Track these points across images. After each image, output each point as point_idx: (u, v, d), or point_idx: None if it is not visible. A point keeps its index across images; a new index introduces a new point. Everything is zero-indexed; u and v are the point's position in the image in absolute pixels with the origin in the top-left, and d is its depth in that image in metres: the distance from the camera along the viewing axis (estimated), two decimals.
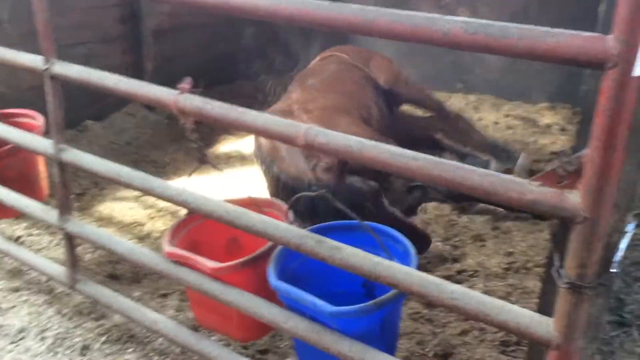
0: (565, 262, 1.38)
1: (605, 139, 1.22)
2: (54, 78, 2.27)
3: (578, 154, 1.32)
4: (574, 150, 1.47)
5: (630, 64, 1.16)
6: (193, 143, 2.06)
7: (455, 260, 3.34)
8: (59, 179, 2.45)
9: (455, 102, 5.72)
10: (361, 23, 1.46)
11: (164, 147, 4.80)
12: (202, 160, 2.10)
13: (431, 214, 3.75)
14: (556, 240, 1.43)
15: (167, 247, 2.23)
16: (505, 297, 2.95)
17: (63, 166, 2.43)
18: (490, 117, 5.35)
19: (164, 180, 2.90)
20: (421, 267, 3.20)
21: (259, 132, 1.78)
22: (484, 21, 1.34)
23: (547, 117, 5.26)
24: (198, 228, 2.49)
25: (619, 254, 1.39)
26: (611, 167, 1.24)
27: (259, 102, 5.77)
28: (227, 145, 4.95)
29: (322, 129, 1.67)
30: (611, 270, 1.38)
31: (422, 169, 1.51)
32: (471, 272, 3.22)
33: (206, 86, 5.69)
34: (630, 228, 1.40)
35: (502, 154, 4.32)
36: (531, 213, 3.16)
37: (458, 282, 3.14)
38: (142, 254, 2.31)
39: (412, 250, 2.09)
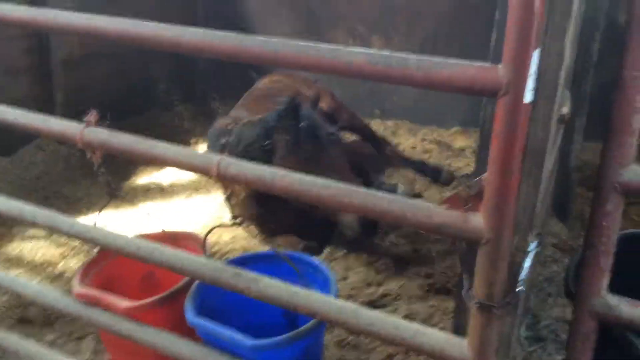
0: (473, 282, 1.42)
1: (502, 163, 1.28)
2: None
3: (479, 177, 1.37)
4: (475, 173, 1.54)
5: (520, 91, 1.22)
6: (101, 177, 1.98)
7: (379, 284, 3.38)
8: None
9: (374, 127, 5.85)
10: (266, 54, 1.47)
11: (76, 181, 4.61)
12: (112, 194, 2.03)
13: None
14: (464, 262, 1.47)
15: (77, 288, 2.13)
16: (428, 319, 3.00)
17: None
18: (408, 142, 5.50)
19: (72, 216, 2.77)
20: (345, 293, 3.24)
21: (170, 164, 1.73)
22: (385, 53, 1.37)
23: (460, 141, 5.46)
24: (112, 265, 2.40)
25: (524, 273, 1.44)
26: (509, 189, 1.30)
27: (182, 129, 5.69)
28: (144, 177, 4.81)
29: (233, 160, 1.65)
30: (517, 288, 1.43)
31: (334, 197, 1.52)
32: (394, 296, 3.27)
33: (120, 116, 5.58)
34: (532, 247, 1.46)
35: (430, 173, 4.56)
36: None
37: (382, 305, 3.18)
38: (51, 296, 2.18)
39: (332, 277, 2.10)
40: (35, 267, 3.56)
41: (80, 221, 2.04)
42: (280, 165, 3.27)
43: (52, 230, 2.04)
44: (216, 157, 1.67)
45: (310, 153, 3.33)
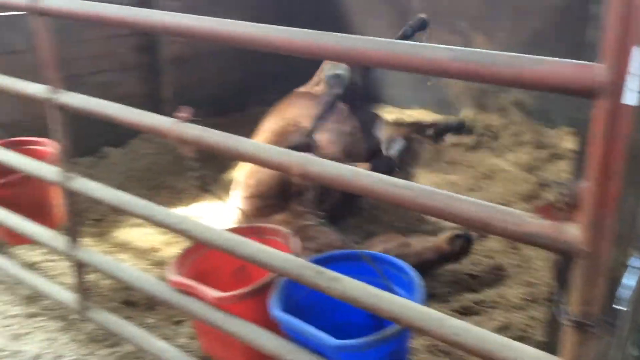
0: (568, 298, 1.32)
1: (601, 170, 1.17)
2: (60, 107, 2.30)
3: (575, 185, 1.26)
4: (572, 180, 1.42)
5: (619, 91, 1.11)
6: (194, 172, 2.05)
7: (474, 290, 3.25)
8: (67, 206, 2.47)
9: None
10: (344, 51, 1.44)
11: (181, 173, 4.81)
12: (204, 188, 2.09)
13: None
14: (558, 275, 1.37)
15: (172, 276, 2.22)
16: (526, 330, 2.85)
17: (71, 194, 2.45)
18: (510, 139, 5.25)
19: (173, 207, 2.88)
20: (439, 297, 3.15)
21: (253, 160, 1.76)
22: (472, 49, 1.30)
23: (567, 142, 5.11)
24: (206, 256, 2.48)
25: (626, 290, 1.32)
26: (608, 198, 1.19)
27: None
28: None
29: (316, 158, 1.64)
30: (616, 306, 1.31)
31: (415, 199, 1.46)
32: (490, 303, 3.13)
33: (222, 112, 5.78)
34: (636, 263, 1.33)
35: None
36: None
37: (477, 313, 3.05)
38: (148, 282, 2.30)
39: (418, 280, 2.04)
40: (141, 253, 3.75)
41: (176, 212, 2.12)
42: None
43: (148, 220, 2.13)
44: (297, 156, 1.67)
45: None
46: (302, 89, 4.79)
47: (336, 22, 6.39)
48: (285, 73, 6.34)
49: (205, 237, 1.96)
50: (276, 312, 1.96)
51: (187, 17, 1.75)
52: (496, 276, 3.33)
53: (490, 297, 3.13)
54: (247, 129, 5.53)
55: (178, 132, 1.89)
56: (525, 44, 5.31)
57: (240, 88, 6.06)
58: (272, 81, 6.28)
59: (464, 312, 3.04)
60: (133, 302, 3.23)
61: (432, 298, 3.16)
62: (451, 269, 3.39)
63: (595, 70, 1.12)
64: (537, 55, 1.23)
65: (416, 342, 2.78)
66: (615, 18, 1.07)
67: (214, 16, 1.72)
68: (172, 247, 3.79)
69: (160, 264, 3.62)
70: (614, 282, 1.33)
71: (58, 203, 3.64)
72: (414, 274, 2.07)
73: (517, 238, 1.34)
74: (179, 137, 1.91)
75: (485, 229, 1.37)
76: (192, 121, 1.94)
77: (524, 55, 1.24)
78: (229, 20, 1.67)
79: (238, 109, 5.96)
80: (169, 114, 2.03)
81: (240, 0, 5.77)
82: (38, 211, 3.08)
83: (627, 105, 1.10)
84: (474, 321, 2.91)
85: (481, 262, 3.46)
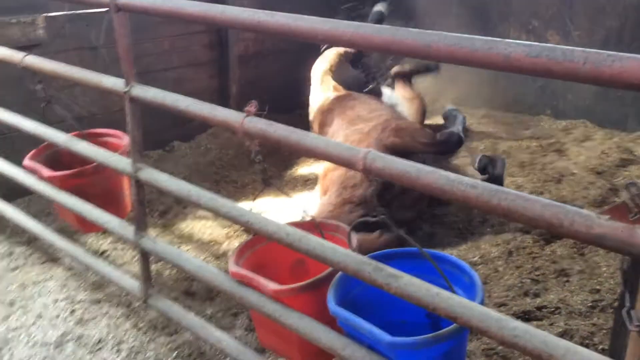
0: (636, 303, 1.27)
1: None
2: (133, 100, 2.39)
3: None
4: None
5: None
6: (258, 165, 2.09)
7: (536, 295, 3.16)
8: (135, 196, 2.57)
9: (545, 125, 5.52)
10: (419, 47, 1.43)
11: (245, 168, 4.92)
12: (267, 182, 2.13)
13: (512, 245, 3.59)
14: (627, 279, 1.32)
15: (232, 267, 2.26)
16: (588, 337, 2.75)
17: (139, 184, 2.54)
18: (584, 144, 5.08)
19: (236, 201, 2.90)
20: (497, 301, 3.09)
21: (317, 155, 1.78)
22: (547, 45, 1.27)
23: None
24: (265, 248, 2.51)
25: None
26: None
27: None
28: (305, 168, 4.99)
29: (380, 154, 1.65)
30: None
31: (480, 197, 1.45)
32: (552, 309, 3.04)
33: (286, 109, 5.85)
34: None
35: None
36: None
37: (537, 318, 2.97)
38: (209, 272, 2.36)
39: (478, 281, 2.00)
40: (203, 245, 3.86)
41: (238, 205, 2.17)
42: None
43: (212, 212, 2.19)
44: (363, 151, 1.68)
45: None
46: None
47: (405, 19, 6.37)
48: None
49: (266, 230, 2.00)
50: (333, 306, 1.97)
51: (261, 12, 1.79)
52: (560, 282, 3.23)
53: (552, 302, 3.04)
54: (307, 126, 5.65)
55: (245, 125, 1.93)
56: (602, 44, 5.14)
57: (302, 85, 6.13)
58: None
59: (525, 317, 2.96)
60: (193, 292, 3.32)
61: (489, 301, 3.11)
62: (515, 273, 3.31)
63: None
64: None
65: (472, 345, 2.73)
66: None
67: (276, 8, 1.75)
68: (233, 240, 3.87)
69: (220, 256, 3.71)
70: None
71: (128, 193, 3.79)
72: (475, 275, 2.04)
73: (587, 240, 1.30)
74: (245, 131, 1.95)
75: (554, 230, 1.33)
76: (258, 115, 1.98)
77: (602, 51, 1.20)
78: (300, 15, 1.70)
79: (301, 105, 6.03)
80: (236, 109, 2.08)
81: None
82: (109, 201, 3.19)
83: None
84: (534, 326, 2.83)
85: (545, 267, 3.36)
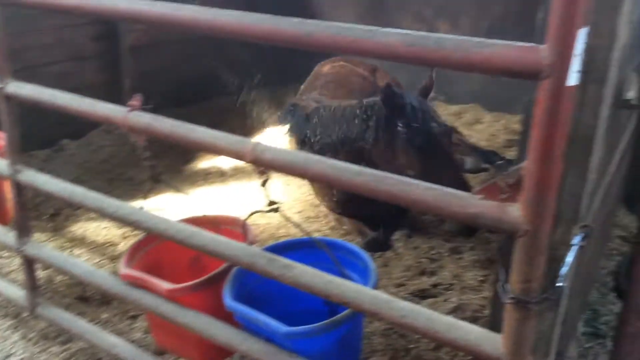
0: (509, 277, 1.34)
1: (542, 150, 1.19)
2: (8, 98, 2.23)
3: (518, 165, 1.28)
4: (516, 161, 1.44)
5: (563, 73, 1.13)
6: (146, 161, 2.01)
7: (432, 273, 3.30)
8: (16, 199, 2.40)
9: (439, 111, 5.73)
10: (300, 37, 1.43)
11: (141, 164, 4.73)
12: (157, 179, 2.06)
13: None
14: (501, 254, 1.39)
15: (123, 269, 2.18)
16: (479, 310, 2.90)
17: (19, 187, 2.38)
18: (474, 127, 5.35)
19: (130, 199, 2.78)
20: (397, 282, 3.19)
21: (206, 148, 1.74)
22: (422, 33, 1.30)
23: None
24: (159, 248, 2.44)
25: (566, 268, 1.34)
26: (550, 179, 1.20)
27: (249, 114, 5.75)
28: (205, 162, 4.90)
29: (269, 145, 1.63)
30: (558, 284, 1.34)
31: (366, 184, 1.47)
32: (447, 285, 3.18)
33: (188, 102, 5.69)
34: (577, 240, 1.36)
35: (487, 157, 4.47)
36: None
37: (433, 295, 3.10)
38: (99, 276, 2.26)
39: (372, 265, 2.05)
40: (98, 247, 3.69)
41: (126, 205, 2.08)
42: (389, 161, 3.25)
43: (98, 212, 2.09)
44: (251, 143, 1.66)
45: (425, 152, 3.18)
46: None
47: (301, 9, 6.38)
48: (250, 60, 6.30)
49: (156, 228, 1.94)
50: (229, 301, 1.95)
51: (142, 2, 1.71)
52: (453, 259, 3.38)
53: (446, 279, 3.19)
54: (214, 119, 5.54)
55: (129, 120, 1.86)
56: (487, 31, 5.41)
57: (202, 76, 6.00)
58: (235, 70, 6.23)
59: (422, 296, 3.08)
60: (87, 297, 3.18)
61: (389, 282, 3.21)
62: (412, 254, 3.43)
63: (540, 53, 1.13)
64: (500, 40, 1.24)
65: (373, 327, 2.80)
66: (560, 1, 1.08)
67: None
68: (130, 241, 3.73)
69: (117, 258, 3.56)
70: (558, 261, 1.35)
71: (9, 197, 3.55)
72: (369, 259, 2.08)
73: (464, 219, 1.35)
74: (130, 126, 1.87)
75: (434, 211, 1.38)
76: (143, 109, 1.90)
77: (471, 38, 1.25)
78: (181, 5, 1.64)
79: (202, 98, 5.90)
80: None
81: None
82: None
83: (570, 87, 1.12)
84: (429, 304, 2.96)
85: (440, 246, 3.51)
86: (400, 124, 3.21)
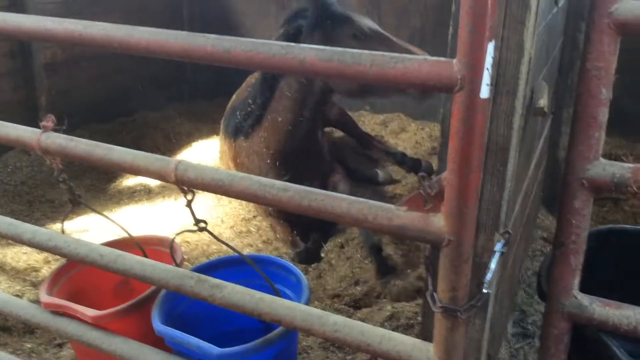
0: (437, 286, 1.36)
1: (461, 161, 1.22)
2: None
3: (439, 176, 1.31)
4: (437, 172, 1.48)
5: (476, 86, 1.16)
6: (63, 184, 1.92)
7: (365, 282, 3.32)
8: None
9: (365, 120, 5.82)
10: (217, 53, 1.41)
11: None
12: (75, 201, 1.97)
13: (343, 238, 3.74)
14: (429, 264, 1.41)
15: (44, 297, 2.07)
16: (413, 317, 2.95)
17: None
18: (399, 136, 5.47)
19: (51, 222, 2.64)
20: (332, 293, 3.19)
21: (126, 170, 1.68)
22: (338, 49, 1.31)
23: None
24: (83, 273, 2.34)
25: (489, 274, 1.38)
26: (469, 189, 1.23)
27: (171, 129, 5.62)
28: (131, 180, 4.75)
29: (191, 163, 1.60)
30: (483, 290, 1.37)
31: (292, 199, 1.46)
32: (378, 293, 3.21)
33: (107, 118, 5.52)
34: (499, 247, 1.40)
35: (410, 164, 4.64)
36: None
37: (367, 305, 3.12)
38: (17, 305, 2.13)
39: (304, 280, 2.04)
40: (18, 273, 3.51)
41: (43, 230, 1.98)
42: None
43: (13, 240, 1.98)
44: (174, 162, 1.62)
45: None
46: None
47: (225, 22, 6.33)
48: (170, 75, 6.19)
49: (77, 253, 1.85)
50: (158, 325, 1.89)
51: (48, 20, 1.63)
52: (387, 267, 3.42)
53: (379, 288, 3.22)
54: (136, 134, 5.40)
55: (42, 142, 1.77)
56: (408, 41, 5.53)
57: (124, 92, 5.84)
58: (157, 84, 6.12)
59: (356, 306, 3.10)
60: (9, 327, 3.01)
61: (324, 293, 3.21)
62: (346, 265, 3.45)
63: (452, 67, 1.16)
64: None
65: (310, 340, 2.79)
66: (469, 15, 1.11)
67: (94, 18, 1.62)
68: (52, 265, 3.57)
69: (39, 284, 3.39)
70: (482, 268, 1.39)
71: None
72: (300, 273, 2.07)
73: (391, 231, 1.36)
74: (43, 148, 1.78)
75: (361, 224, 1.38)
76: (57, 130, 1.82)
77: (386, 53, 1.27)
78: (92, 22, 1.58)
79: (122, 113, 5.75)
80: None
81: (125, 2, 5.53)
82: None
83: (483, 99, 1.15)
84: (364, 314, 2.98)
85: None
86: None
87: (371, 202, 1.39)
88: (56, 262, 3.59)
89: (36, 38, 1.67)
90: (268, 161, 3.75)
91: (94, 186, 4.59)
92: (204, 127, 5.82)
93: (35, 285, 3.38)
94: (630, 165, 1.27)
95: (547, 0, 1.75)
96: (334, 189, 3.85)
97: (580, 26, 3.32)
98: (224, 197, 4.34)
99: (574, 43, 3.35)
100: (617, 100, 1.30)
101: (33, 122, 1.96)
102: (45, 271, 3.52)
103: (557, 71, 3.27)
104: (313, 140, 3.79)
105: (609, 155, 4.36)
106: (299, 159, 3.71)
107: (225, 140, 4.23)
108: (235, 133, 4.03)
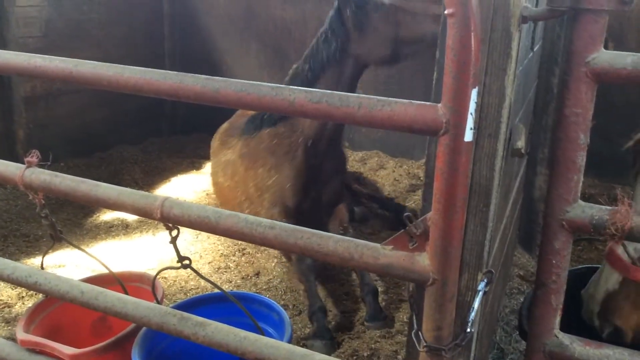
0: (422, 325, 1.38)
1: (445, 202, 1.25)
2: None
3: (424, 216, 1.34)
4: (422, 212, 1.51)
5: (460, 129, 1.20)
6: (45, 220, 1.91)
7: (349, 318, 3.32)
8: None
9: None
10: (206, 93, 1.44)
11: (37, 219, 4.47)
12: (57, 237, 1.95)
13: (323, 275, 3.73)
14: (413, 303, 1.43)
15: (20, 335, 2.03)
16: (392, 356, 2.94)
17: None
18: (377, 173, 5.53)
19: (26, 257, 2.60)
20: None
21: (111, 206, 1.68)
22: (327, 91, 1.35)
23: None
24: (61, 309, 2.30)
25: (473, 313, 1.40)
26: (453, 229, 1.27)
27: (150, 164, 5.61)
28: (108, 214, 4.70)
29: (177, 200, 1.61)
30: (467, 329, 1.39)
31: (278, 237, 1.48)
32: (362, 331, 3.21)
33: (86, 152, 5.48)
34: (482, 286, 1.43)
35: (393, 209, 4.60)
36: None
37: (358, 337, 3.12)
38: None
39: (286, 318, 2.03)
40: None
41: (23, 266, 1.95)
42: None
43: None
44: (160, 199, 1.62)
45: None
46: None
47: (205, 59, 6.40)
48: (149, 110, 6.21)
49: (58, 290, 1.82)
50: None
51: (38, 57, 1.65)
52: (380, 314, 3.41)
53: (361, 321, 3.22)
54: (113, 168, 5.37)
55: (26, 178, 1.76)
56: (385, 81, 5.67)
57: (103, 126, 5.83)
58: (136, 119, 6.12)
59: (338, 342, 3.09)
60: None
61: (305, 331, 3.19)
62: (324, 300, 3.44)
63: (437, 111, 1.21)
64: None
65: None
66: (453, 63, 1.16)
67: (74, 53, 1.64)
68: (27, 301, 3.49)
69: (13, 320, 3.31)
70: (465, 307, 1.41)
71: None
72: (283, 312, 2.07)
73: (376, 270, 1.39)
74: (27, 184, 1.77)
75: (347, 263, 1.40)
76: (41, 165, 1.82)
77: (375, 97, 1.31)
78: (81, 60, 1.60)
79: (102, 148, 5.73)
80: (24, 156, 1.88)
81: (106, 37, 5.55)
82: None
83: (467, 142, 1.19)
84: (345, 348, 2.98)
85: (353, 291, 3.54)
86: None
87: (357, 240, 1.42)
88: (30, 298, 3.52)
89: (25, 74, 1.68)
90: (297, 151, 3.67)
91: (70, 220, 4.53)
92: (183, 162, 5.82)
93: (8, 321, 3.30)
94: (608, 207, 1.32)
95: (524, 46, 1.82)
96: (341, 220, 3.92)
97: (554, 70, 3.44)
98: (202, 233, 4.31)
99: (548, 86, 3.47)
100: (591, 142, 1.35)
101: (10, 155, 1.94)
102: (19, 307, 3.43)
103: (532, 113, 3.37)
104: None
105: (582, 195, 4.45)
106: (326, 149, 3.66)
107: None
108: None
